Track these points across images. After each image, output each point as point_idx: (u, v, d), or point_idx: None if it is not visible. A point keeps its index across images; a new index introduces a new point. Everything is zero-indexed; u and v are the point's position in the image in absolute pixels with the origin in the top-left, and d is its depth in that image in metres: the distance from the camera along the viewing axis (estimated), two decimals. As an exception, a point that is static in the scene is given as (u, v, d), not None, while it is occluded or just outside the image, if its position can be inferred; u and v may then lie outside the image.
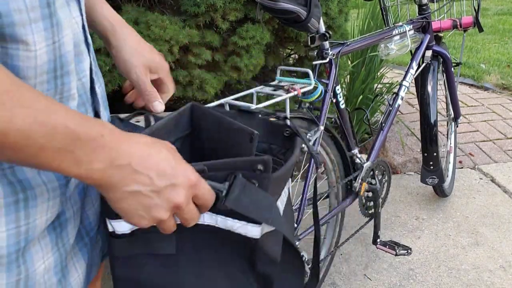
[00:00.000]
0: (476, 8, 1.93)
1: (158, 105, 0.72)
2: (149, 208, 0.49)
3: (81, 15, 0.57)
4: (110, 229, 0.55)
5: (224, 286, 0.61)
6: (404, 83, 1.77)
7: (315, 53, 1.46)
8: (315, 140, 1.37)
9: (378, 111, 2.87)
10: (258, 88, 1.26)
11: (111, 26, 0.69)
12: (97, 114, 0.62)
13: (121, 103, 0.78)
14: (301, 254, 0.76)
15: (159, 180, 0.48)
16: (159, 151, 0.49)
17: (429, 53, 1.91)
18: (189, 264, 0.60)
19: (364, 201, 1.67)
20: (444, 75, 2.11)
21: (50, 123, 0.41)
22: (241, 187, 0.54)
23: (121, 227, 0.55)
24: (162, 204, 0.49)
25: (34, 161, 0.42)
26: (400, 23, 1.74)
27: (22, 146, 0.40)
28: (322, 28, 1.39)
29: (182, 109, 0.70)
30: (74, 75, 0.53)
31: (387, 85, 2.94)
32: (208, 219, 0.58)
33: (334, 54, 1.44)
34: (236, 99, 1.17)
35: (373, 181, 1.66)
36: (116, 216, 0.53)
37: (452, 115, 2.26)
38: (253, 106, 1.15)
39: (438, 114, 1.98)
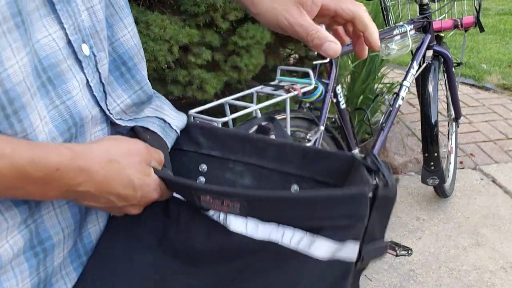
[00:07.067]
0: (477, 8, 1.92)
1: (330, 47, 0.55)
2: (116, 209, 0.53)
3: (64, 28, 0.47)
4: None
5: None
6: (405, 83, 1.77)
7: (316, 53, 1.46)
8: (315, 140, 1.37)
9: (379, 111, 2.86)
10: (258, 88, 1.26)
11: None
12: (112, 124, 0.57)
13: None
14: None
15: (120, 202, 0.50)
16: (122, 173, 0.49)
17: (430, 53, 1.90)
18: None
19: (364, 201, 1.66)
20: (445, 75, 2.10)
21: None
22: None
23: None
24: (125, 210, 0.53)
25: None
26: (401, 23, 1.73)
27: None
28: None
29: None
30: (33, 104, 0.44)
31: (388, 85, 2.93)
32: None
33: (334, 54, 1.44)
34: (236, 98, 1.17)
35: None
36: None
37: (453, 115, 2.26)
38: (253, 107, 1.14)
39: (439, 114, 1.97)
